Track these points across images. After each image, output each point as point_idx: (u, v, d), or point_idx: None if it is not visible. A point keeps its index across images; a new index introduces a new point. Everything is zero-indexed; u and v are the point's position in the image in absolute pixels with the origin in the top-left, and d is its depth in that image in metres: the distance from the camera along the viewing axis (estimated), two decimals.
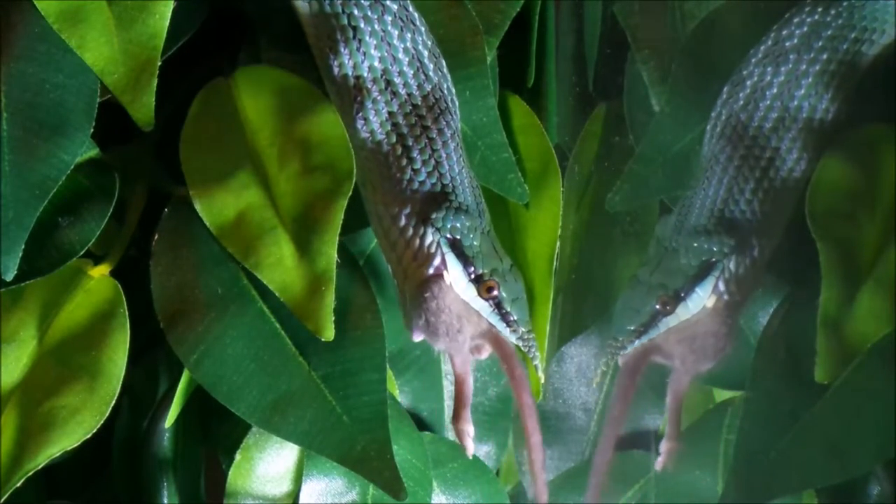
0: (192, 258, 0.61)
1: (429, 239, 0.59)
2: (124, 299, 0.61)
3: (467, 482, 0.68)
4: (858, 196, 0.61)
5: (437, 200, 0.59)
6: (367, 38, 0.60)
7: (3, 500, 0.58)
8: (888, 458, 0.60)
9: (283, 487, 0.66)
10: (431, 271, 0.59)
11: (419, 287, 0.59)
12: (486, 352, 0.60)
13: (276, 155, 0.60)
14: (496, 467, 0.70)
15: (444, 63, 0.61)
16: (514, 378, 0.59)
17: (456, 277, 0.59)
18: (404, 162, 0.59)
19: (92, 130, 0.60)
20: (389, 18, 0.60)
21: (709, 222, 0.61)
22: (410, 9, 0.61)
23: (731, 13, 0.67)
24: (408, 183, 0.59)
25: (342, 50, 0.60)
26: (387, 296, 0.65)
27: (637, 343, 0.61)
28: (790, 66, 0.62)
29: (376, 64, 0.60)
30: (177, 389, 0.63)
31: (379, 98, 0.60)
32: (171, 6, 0.60)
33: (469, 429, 0.60)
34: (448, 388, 0.70)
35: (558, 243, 0.65)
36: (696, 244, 0.61)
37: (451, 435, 0.68)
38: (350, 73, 0.60)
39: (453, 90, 0.62)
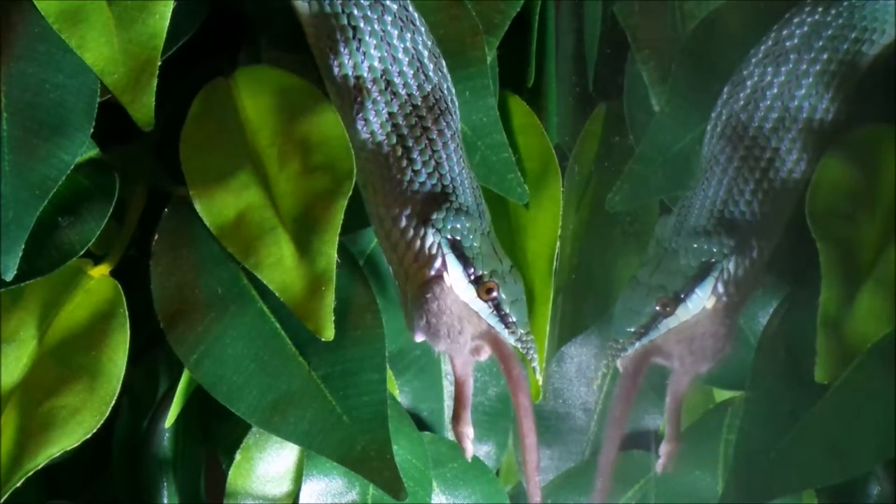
0: (192, 258, 0.61)
1: (429, 240, 0.59)
2: (124, 299, 0.61)
3: (467, 482, 0.68)
4: (858, 196, 0.61)
5: (438, 201, 0.59)
6: (367, 37, 0.60)
7: (3, 500, 0.58)
8: (888, 458, 0.60)
9: (283, 487, 0.66)
10: (433, 273, 0.59)
11: (420, 288, 0.59)
12: (486, 353, 0.60)
13: (276, 155, 0.60)
14: (496, 467, 0.70)
15: (444, 63, 0.61)
16: (512, 379, 0.60)
17: (456, 278, 0.59)
18: (405, 163, 0.59)
19: (92, 130, 0.60)
20: (389, 18, 0.60)
21: (708, 223, 0.61)
22: (410, 9, 0.61)
23: (731, 13, 0.67)
24: (408, 184, 0.59)
25: (342, 50, 0.60)
26: (387, 296, 0.65)
27: (637, 345, 0.61)
28: (790, 65, 0.62)
29: (376, 64, 0.60)
30: (177, 389, 0.63)
31: (379, 98, 0.60)
32: (171, 6, 0.60)
33: (469, 431, 0.60)
34: (448, 388, 0.70)
35: (558, 243, 0.64)
36: (695, 245, 0.61)
37: (451, 435, 0.68)
38: (350, 74, 0.60)
39: (453, 90, 0.62)
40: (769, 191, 0.61)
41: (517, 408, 0.59)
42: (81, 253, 0.61)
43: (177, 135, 0.62)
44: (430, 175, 0.59)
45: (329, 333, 0.57)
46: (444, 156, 0.60)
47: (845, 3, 0.62)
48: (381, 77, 0.60)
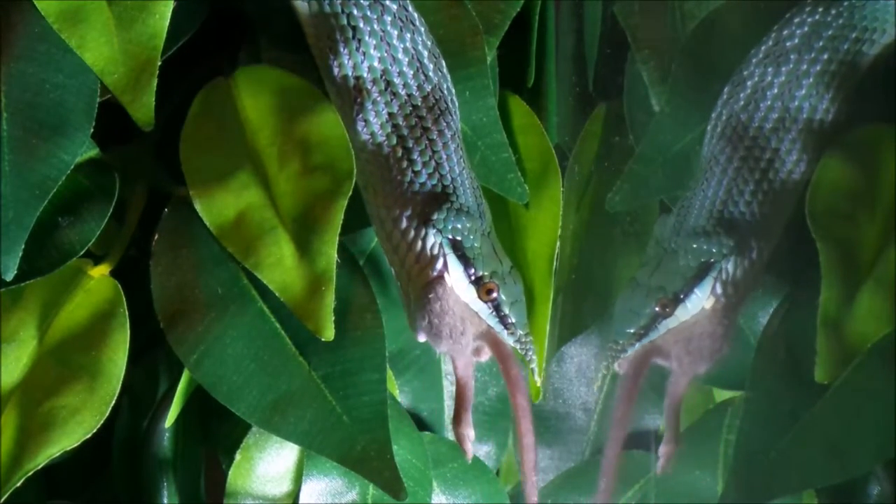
0: (192, 258, 0.61)
1: (431, 241, 0.59)
2: (124, 299, 0.61)
3: (467, 482, 0.68)
4: (858, 196, 0.61)
5: (438, 201, 0.59)
6: (367, 38, 0.60)
7: (3, 500, 0.58)
8: (888, 458, 0.60)
9: (283, 487, 0.66)
10: (435, 273, 0.58)
11: (423, 289, 0.58)
12: (486, 354, 0.60)
13: (276, 155, 0.60)
14: (496, 467, 0.71)
15: (444, 63, 0.61)
16: (510, 379, 0.60)
17: (457, 279, 0.59)
18: (405, 164, 0.59)
19: (92, 130, 0.60)
20: (389, 18, 0.60)
21: (708, 223, 0.61)
22: (410, 9, 0.61)
23: (731, 13, 0.67)
24: (409, 184, 0.59)
25: (342, 50, 0.60)
26: (387, 296, 0.65)
27: (637, 346, 0.61)
28: (791, 66, 0.62)
29: (376, 64, 0.60)
30: (177, 389, 0.63)
31: (379, 99, 0.60)
32: (171, 6, 0.60)
33: (469, 433, 0.60)
34: (448, 388, 0.70)
35: (558, 243, 0.64)
36: (694, 245, 0.61)
37: (451, 435, 0.68)
38: (350, 74, 0.60)
39: (453, 90, 0.61)
40: (769, 191, 0.61)
41: (515, 408, 0.59)
42: (81, 253, 0.61)
43: (177, 135, 0.62)
44: (430, 175, 0.59)
45: (329, 333, 0.57)
46: (444, 156, 0.60)
47: (846, 3, 0.62)
48: (381, 77, 0.60)
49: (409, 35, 0.60)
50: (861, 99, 0.63)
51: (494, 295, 0.59)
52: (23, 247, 0.58)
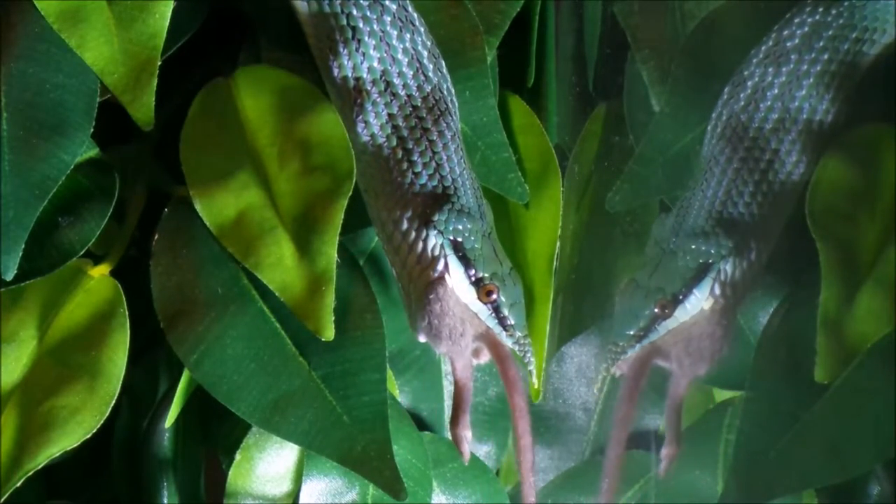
0: (192, 258, 0.61)
1: (432, 241, 0.59)
2: (124, 299, 0.61)
3: (467, 482, 0.68)
4: (858, 196, 0.61)
5: (439, 202, 0.59)
6: (367, 38, 0.60)
7: (3, 500, 0.58)
8: (888, 458, 0.60)
9: (283, 487, 0.66)
10: (436, 274, 0.58)
11: (424, 290, 0.58)
12: (485, 357, 0.60)
13: (276, 155, 0.60)
14: (496, 467, 0.71)
15: (443, 63, 0.61)
16: (508, 380, 0.60)
17: (457, 280, 0.59)
18: (405, 165, 0.59)
19: (92, 130, 0.60)
20: (388, 19, 0.60)
21: (707, 224, 0.61)
22: (410, 9, 0.61)
23: (731, 13, 0.67)
24: (409, 186, 0.59)
25: (341, 50, 0.60)
26: (387, 296, 0.65)
27: (637, 347, 0.61)
28: (791, 66, 0.62)
29: (375, 65, 0.60)
30: (177, 389, 0.63)
31: (379, 100, 0.60)
32: (171, 6, 0.60)
33: (467, 434, 0.60)
34: (448, 388, 0.70)
35: (558, 243, 0.64)
36: (693, 246, 0.61)
37: (449, 435, 0.68)
38: (350, 75, 0.60)
39: (453, 91, 0.61)
40: (768, 192, 0.61)
41: (513, 409, 0.59)
42: (81, 253, 0.61)
43: (177, 135, 0.62)
44: (430, 176, 0.59)
45: (329, 333, 0.57)
46: (444, 157, 0.60)
47: (846, 3, 0.62)
48: (381, 78, 0.60)
49: (408, 35, 0.60)
50: (861, 99, 0.63)
51: (494, 296, 0.59)
52: (23, 247, 0.58)
